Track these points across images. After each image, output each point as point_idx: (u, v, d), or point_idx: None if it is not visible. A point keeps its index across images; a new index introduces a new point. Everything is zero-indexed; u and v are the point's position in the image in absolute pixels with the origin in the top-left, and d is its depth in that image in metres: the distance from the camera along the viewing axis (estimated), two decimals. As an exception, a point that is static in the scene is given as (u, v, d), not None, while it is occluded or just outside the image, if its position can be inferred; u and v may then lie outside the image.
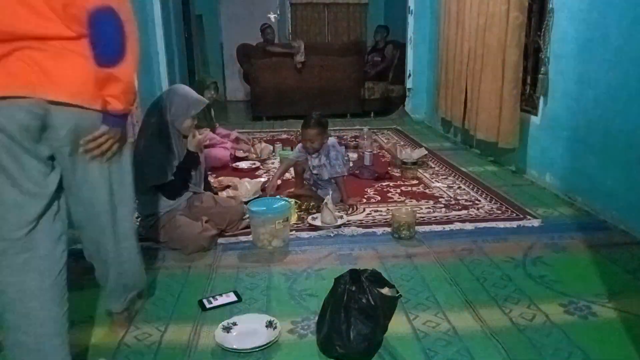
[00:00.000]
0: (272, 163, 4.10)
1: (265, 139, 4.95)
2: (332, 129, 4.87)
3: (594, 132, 2.81)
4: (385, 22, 8.58)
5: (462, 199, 3.10)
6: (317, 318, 1.69)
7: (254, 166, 3.94)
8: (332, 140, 3.03)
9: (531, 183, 3.43)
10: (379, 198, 3.15)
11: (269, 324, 1.71)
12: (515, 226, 2.66)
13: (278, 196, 2.88)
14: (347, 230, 2.60)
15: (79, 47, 1.34)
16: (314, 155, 2.99)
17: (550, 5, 3.21)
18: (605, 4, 2.70)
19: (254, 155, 4.19)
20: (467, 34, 4.23)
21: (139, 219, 2.39)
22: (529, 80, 3.60)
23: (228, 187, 3.25)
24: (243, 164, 3.98)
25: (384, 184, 3.46)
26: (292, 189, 3.16)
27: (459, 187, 3.35)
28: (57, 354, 1.38)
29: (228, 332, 1.68)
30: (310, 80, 6.31)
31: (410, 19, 6.06)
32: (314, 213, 2.80)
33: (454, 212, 2.87)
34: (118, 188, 1.55)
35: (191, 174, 2.55)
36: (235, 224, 2.58)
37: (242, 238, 2.52)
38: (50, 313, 1.38)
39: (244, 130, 5.50)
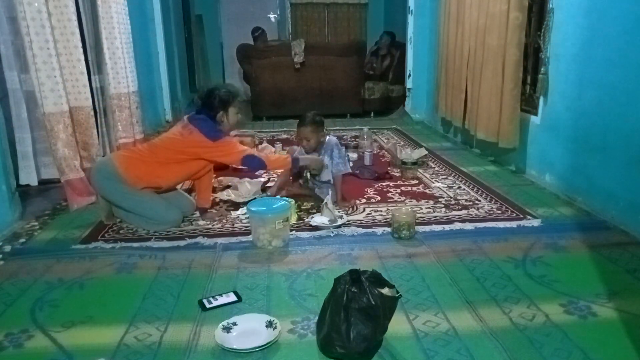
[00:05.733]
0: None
1: (265, 139, 4.95)
2: (332, 129, 4.89)
3: (594, 132, 2.81)
4: (385, 22, 8.60)
5: (462, 199, 3.10)
6: (317, 318, 1.69)
7: None
8: (334, 139, 3.04)
9: (531, 183, 3.43)
10: (379, 198, 3.15)
11: (269, 324, 1.71)
12: (515, 226, 2.66)
13: (278, 196, 2.88)
14: (347, 230, 2.60)
15: None
16: (312, 155, 2.99)
17: (550, 5, 3.21)
18: (605, 4, 2.70)
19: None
20: (467, 34, 4.23)
21: None
22: (529, 80, 3.60)
23: (228, 187, 3.25)
24: None
25: (384, 184, 3.46)
26: (291, 188, 3.16)
27: (459, 187, 3.35)
28: None
29: (228, 332, 1.68)
30: (310, 80, 6.31)
31: (410, 19, 6.06)
32: (314, 213, 2.81)
33: (454, 212, 2.87)
34: None
35: None
36: None
37: (242, 238, 2.52)
38: None
39: (244, 130, 5.51)
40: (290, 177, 3.15)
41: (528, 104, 3.58)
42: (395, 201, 3.10)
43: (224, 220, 2.78)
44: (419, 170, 3.71)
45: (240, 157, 2.66)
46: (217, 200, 3.09)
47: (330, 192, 2.84)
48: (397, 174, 3.68)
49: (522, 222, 2.70)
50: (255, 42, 6.76)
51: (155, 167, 2.62)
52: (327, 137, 3.02)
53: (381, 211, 2.90)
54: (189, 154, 2.61)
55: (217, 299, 1.92)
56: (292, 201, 2.79)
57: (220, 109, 2.66)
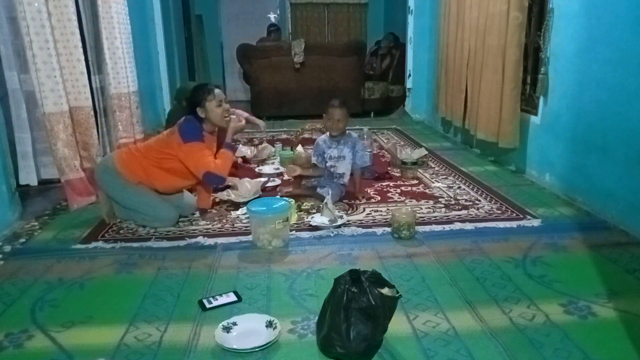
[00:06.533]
0: (272, 163, 4.09)
1: (265, 139, 4.94)
2: (332, 129, 4.87)
3: (594, 132, 2.81)
4: (385, 22, 8.60)
5: (462, 199, 3.10)
6: (317, 318, 1.69)
7: (277, 171, 3.78)
8: (355, 134, 3.15)
9: (531, 183, 3.43)
10: (379, 198, 3.15)
11: (269, 324, 1.71)
12: (515, 226, 2.66)
13: (278, 196, 2.88)
14: (347, 230, 2.60)
15: None
16: (333, 145, 3.03)
17: (550, 5, 3.21)
18: (605, 4, 2.70)
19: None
20: (467, 34, 4.23)
21: None
22: (529, 80, 3.60)
23: (228, 187, 3.25)
24: (266, 169, 3.87)
25: (384, 184, 3.46)
26: (290, 189, 3.17)
27: (459, 187, 3.35)
28: None
29: (228, 332, 1.68)
30: (310, 80, 6.31)
31: (410, 19, 6.06)
32: (314, 213, 2.81)
33: (454, 212, 2.87)
34: None
35: None
36: None
37: (242, 238, 2.52)
38: None
39: (245, 130, 5.51)
40: (291, 179, 3.15)
41: (528, 104, 3.58)
42: (395, 201, 3.10)
43: (224, 220, 2.78)
44: (419, 170, 3.71)
45: (202, 170, 2.57)
46: (217, 200, 3.09)
47: (330, 191, 2.84)
48: (397, 174, 3.68)
49: (522, 222, 2.70)
50: (269, 35, 6.93)
51: (148, 167, 2.65)
52: (348, 132, 3.10)
53: (381, 211, 2.90)
54: (169, 155, 2.62)
55: (217, 299, 1.92)
56: (292, 201, 2.79)
57: (197, 105, 2.61)
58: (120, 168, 2.63)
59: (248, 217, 2.60)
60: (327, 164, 3.07)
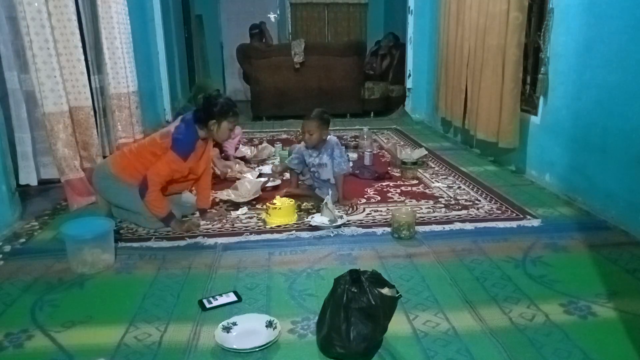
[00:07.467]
0: (272, 163, 4.09)
1: (265, 139, 4.95)
2: (332, 129, 4.87)
3: (594, 132, 2.81)
4: (385, 22, 8.61)
5: (462, 199, 3.10)
6: (317, 318, 1.69)
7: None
8: (334, 139, 3.05)
9: (531, 183, 3.43)
10: (379, 198, 3.15)
11: (269, 324, 1.71)
12: (515, 226, 2.66)
13: (278, 196, 2.88)
14: (347, 230, 2.60)
15: None
16: (313, 154, 3.00)
17: (550, 5, 3.21)
18: (605, 4, 2.70)
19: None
20: (467, 34, 4.23)
21: None
22: (528, 80, 3.60)
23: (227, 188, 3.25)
24: (266, 169, 3.85)
25: (384, 184, 3.46)
26: (289, 189, 3.16)
27: (459, 187, 3.35)
28: None
29: (228, 332, 1.68)
30: (310, 80, 6.31)
31: (410, 19, 6.06)
32: (314, 213, 2.81)
33: (454, 212, 2.87)
34: None
35: None
36: None
37: (242, 238, 2.52)
38: None
39: (244, 130, 5.51)
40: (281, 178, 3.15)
41: (528, 104, 3.58)
42: (395, 201, 3.10)
43: (224, 220, 2.78)
44: (419, 170, 3.71)
45: (151, 178, 2.51)
46: (217, 200, 3.09)
47: (330, 192, 2.84)
48: (397, 174, 3.68)
49: (522, 222, 2.70)
50: (253, 39, 6.82)
51: (142, 170, 2.57)
52: (328, 137, 3.03)
53: (381, 211, 2.90)
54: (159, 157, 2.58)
55: (217, 299, 1.92)
56: (292, 201, 2.79)
57: (215, 117, 2.59)
58: (116, 172, 2.63)
59: (246, 215, 2.58)
60: (311, 170, 3.05)
